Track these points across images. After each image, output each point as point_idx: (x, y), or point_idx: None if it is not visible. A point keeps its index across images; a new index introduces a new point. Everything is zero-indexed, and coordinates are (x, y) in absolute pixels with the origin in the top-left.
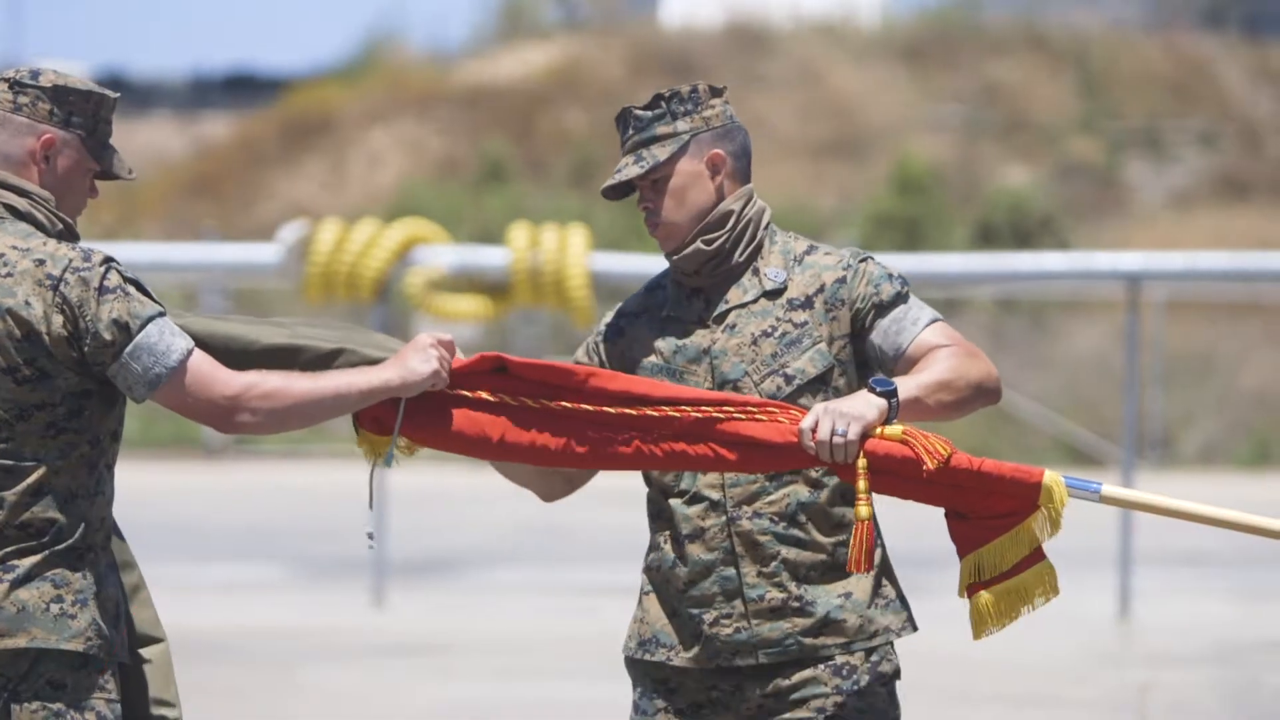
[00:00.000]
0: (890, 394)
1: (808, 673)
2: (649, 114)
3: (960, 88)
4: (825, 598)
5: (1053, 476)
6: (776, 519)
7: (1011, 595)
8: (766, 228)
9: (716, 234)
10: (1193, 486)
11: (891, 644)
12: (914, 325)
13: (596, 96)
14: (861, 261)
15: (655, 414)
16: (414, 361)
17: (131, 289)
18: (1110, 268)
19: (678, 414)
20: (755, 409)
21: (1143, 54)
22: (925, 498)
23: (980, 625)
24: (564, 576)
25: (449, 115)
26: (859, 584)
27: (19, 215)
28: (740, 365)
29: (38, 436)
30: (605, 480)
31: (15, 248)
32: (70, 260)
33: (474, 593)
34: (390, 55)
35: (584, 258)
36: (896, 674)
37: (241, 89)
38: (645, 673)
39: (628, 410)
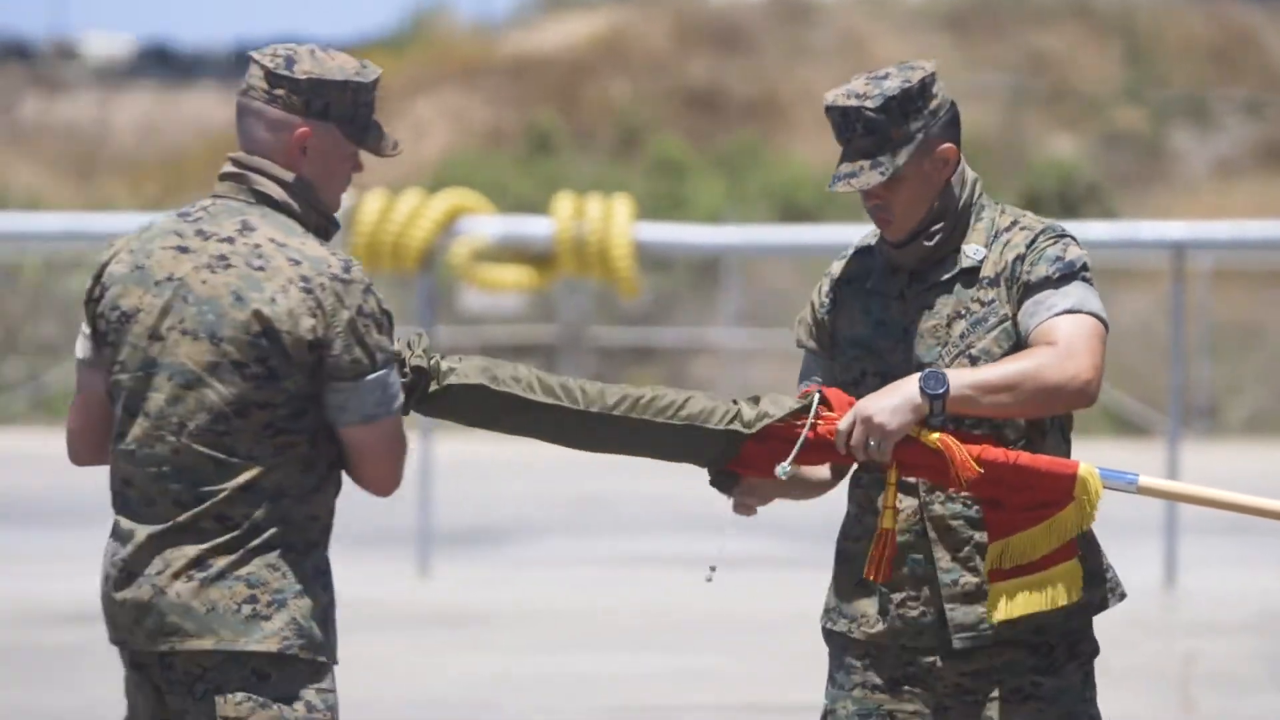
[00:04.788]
0: (937, 397)
1: (1006, 653)
2: (881, 117)
3: (1005, 57)
4: None
5: (1088, 468)
6: (970, 502)
7: (1032, 592)
8: (976, 201)
9: (937, 227)
10: (1239, 456)
11: (1090, 624)
12: (1047, 311)
13: (641, 67)
14: (1047, 239)
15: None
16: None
17: (385, 321)
18: (1155, 237)
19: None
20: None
21: (1188, 22)
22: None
23: (992, 614)
24: (605, 547)
25: (494, 86)
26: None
27: (275, 205)
28: (935, 348)
29: (253, 434)
30: None
31: (273, 241)
32: (329, 265)
33: (516, 564)
34: (435, 25)
35: (628, 228)
36: (1094, 654)
37: None
38: (841, 645)
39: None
